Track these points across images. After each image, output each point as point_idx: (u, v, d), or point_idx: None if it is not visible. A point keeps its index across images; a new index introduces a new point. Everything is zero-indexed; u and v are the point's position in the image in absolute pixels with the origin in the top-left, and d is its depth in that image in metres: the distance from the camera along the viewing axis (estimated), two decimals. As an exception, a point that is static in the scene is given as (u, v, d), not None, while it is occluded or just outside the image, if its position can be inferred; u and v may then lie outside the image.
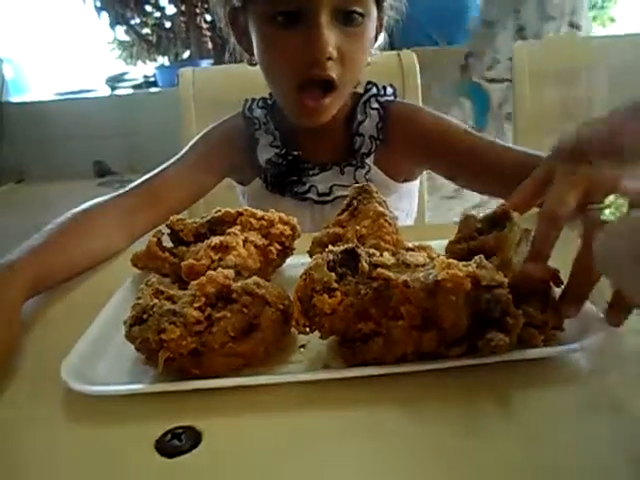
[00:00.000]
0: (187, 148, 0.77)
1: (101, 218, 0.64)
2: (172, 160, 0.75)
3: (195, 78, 1.18)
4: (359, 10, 0.64)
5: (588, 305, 0.39)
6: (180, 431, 0.34)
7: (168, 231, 0.52)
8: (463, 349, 0.36)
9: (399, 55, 1.11)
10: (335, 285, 0.37)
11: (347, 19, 0.64)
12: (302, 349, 0.42)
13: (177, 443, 0.33)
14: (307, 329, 0.38)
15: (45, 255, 0.55)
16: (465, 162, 0.73)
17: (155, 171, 0.73)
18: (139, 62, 5.56)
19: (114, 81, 4.33)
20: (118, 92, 4.29)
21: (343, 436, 0.34)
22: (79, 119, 4.08)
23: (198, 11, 4.91)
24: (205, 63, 4.15)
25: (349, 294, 0.37)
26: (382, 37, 0.76)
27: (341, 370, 0.38)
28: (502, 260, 0.40)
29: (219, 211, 0.51)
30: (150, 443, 0.34)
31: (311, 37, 0.62)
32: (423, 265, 0.38)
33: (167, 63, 5.20)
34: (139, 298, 0.40)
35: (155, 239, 0.50)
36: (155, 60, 5.45)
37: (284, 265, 0.54)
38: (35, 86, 4.62)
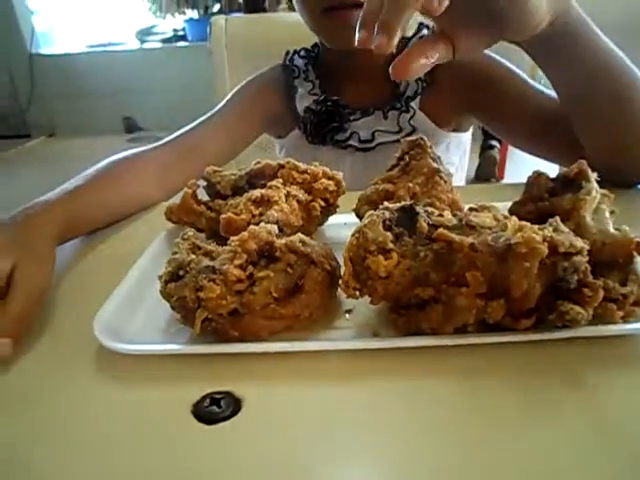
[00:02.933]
0: (225, 101, 0.74)
1: (138, 167, 0.62)
2: (209, 113, 0.72)
3: (227, 27, 1.13)
4: None
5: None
6: (219, 397, 0.32)
7: (204, 183, 0.49)
8: (532, 321, 0.33)
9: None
10: (391, 246, 0.33)
11: None
12: (348, 315, 0.38)
13: (216, 409, 0.31)
14: (357, 293, 0.35)
15: (80, 196, 0.53)
16: (515, 111, 0.66)
17: (192, 124, 0.70)
18: (168, 15, 5.47)
19: (143, 34, 4.26)
20: (147, 46, 4.23)
21: (392, 409, 0.30)
22: (108, 72, 4.06)
23: (229, -38, 4.76)
24: (235, 15, 4.04)
25: (406, 256, 0.33)
26: None
27: (393, 339, 0.34)
28: (578, 225, 0.36)
29: (259, 162, 0.47)
30: (187, 408, 0.31)
31: None
32: (490, 228, 0.34)
33: (196, 17, 5.09)
34: (175, 253, 0.37)
35: (191, 191, 0.47)
36: (184, 13, 5.35)
37: (326, 223, 0.50)
38: (65, 39, 4.59)
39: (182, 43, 4.15)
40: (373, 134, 0.71)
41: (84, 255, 0.53)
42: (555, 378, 0.31)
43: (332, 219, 0.50)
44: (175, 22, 4.85)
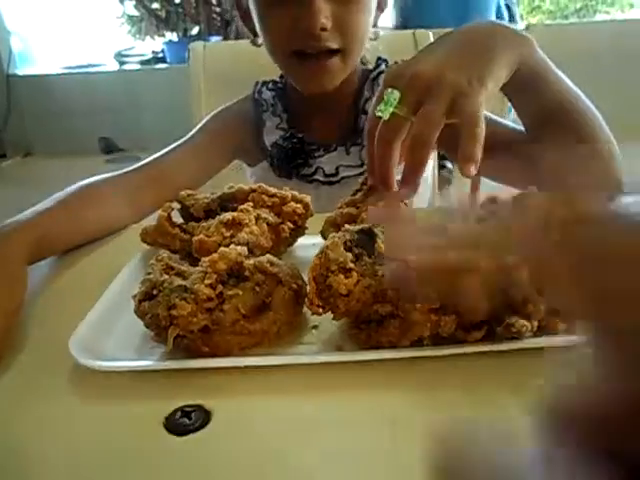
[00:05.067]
0: (196, 129, 0.76)
1: (109, 190, 0.63)
2: (181, 140, 0.74)
3: (206, 53, 1.16)
4: None
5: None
6: (189, 409, 0.33)
7: (178, 206, 0.51)
8: (482, 334, 0.35)
9: (414, 34, 1.09)
10: (351, 265, 0.36)
11: None
12: (314, 330, 0.41)
13: (186, 421, 0.33)
14: (320, 310, 0.37)
15: (51, 217, 0.54)
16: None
17: (164, 150, 0.72)
18: (147, 37, 5.50)
19: (122, 56, 4.28)
20: (126, 67, 4.25)
21: (354, 421, 0.33)
22: (86, 93, 4.06)
23: (208, -14, 4.84)
24: (214, 40, 4.09)
25: (365, 275, 0.36)
26: (388, 5, 0.74)
27: (354, 353, 0.37)
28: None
29: (231, 187, 0.50)
30: (159, 421, 0.33)
31: (303, 9, 0.62)
32: (443, 247, 0.37)
33: (176, 39, 5.13)
34: (149, 273, 0.39)
35: (165, 214, 0.49)
36: (164, 36, 5.39)
37: (295, 244, 0.52)
38: (43, 59, 4.59)
39: (161, 65, 4.18)
40: (337, 169, 0.74)
41: (59, 274, 0.54)
42: (503, 387, 0.34)
43: (301, 240, 0.52)
44: (154, 44, 4.88)
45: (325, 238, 0.48)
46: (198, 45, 1.20)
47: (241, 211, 0.45)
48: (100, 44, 4.71)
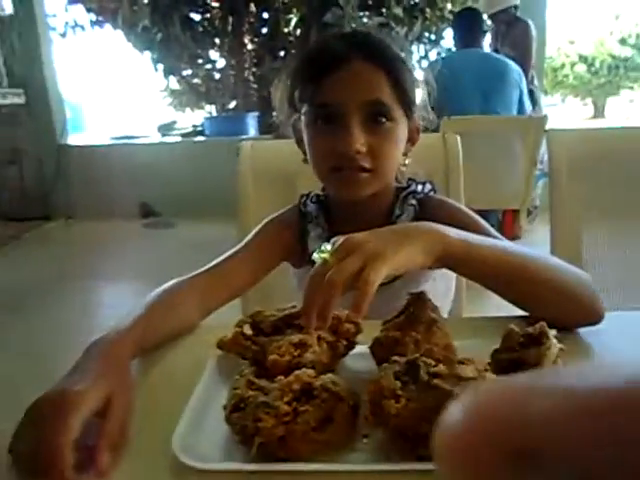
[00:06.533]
0: (250, 236, 0.88)
1: (183, 295, 0.75)
2: (238, 247, 0.86)
3: (253, 152, 1.31)
4: (384, 116, 0.77)
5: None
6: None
7: (249, 320, 0.62)
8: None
9: (444, 137, 1.22)
10: (400, 392, 0.45)
11: (375, 122, 0.77)
12: (365, 439, 0.50)
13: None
14: (373, 424, 0.46)
15: (143, 322, 0.65)
16: None
17: (223, 256, 0.83)
18: (187, 109, 5.89)
19: (165, 129, 4.59)
20: (167, 139, 4.55)
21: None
22: (129, 162, 4.34)
23: (247, 65, 5.22)
24: (251, 116, 4.38)
25: (411, 400, 0.45)
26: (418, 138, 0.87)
27: (402, 463, 0.46)
28: (539, 375, 0.48)
29: (294, 307, 0.61)
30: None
31: (341, 135, 0.75)
32: (472, 378, 0.46)
33: (214, 112, 5.48)
34: (236, 388, 0.49)
35: (239, 329, 0.60)
36: (203, 108, 5.77)
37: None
38: (91, 127, 4.94)
39: (200, 138, 4.46)
40: None
41: (145, 374, 0.65)
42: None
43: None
44: (195, 118, 5.22)
45: (373, 353, 0.58)
46: (247, 144, 1.34)
47: (306, 333, 0.55)
48: (144, 116, 5.07)
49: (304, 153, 0.87)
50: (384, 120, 0.77)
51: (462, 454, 0.21)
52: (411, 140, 0.85)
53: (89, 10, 4.92)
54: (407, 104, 0.80)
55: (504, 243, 0.71)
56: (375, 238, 0.56)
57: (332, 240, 0.57)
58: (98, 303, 2.98)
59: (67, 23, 4.89)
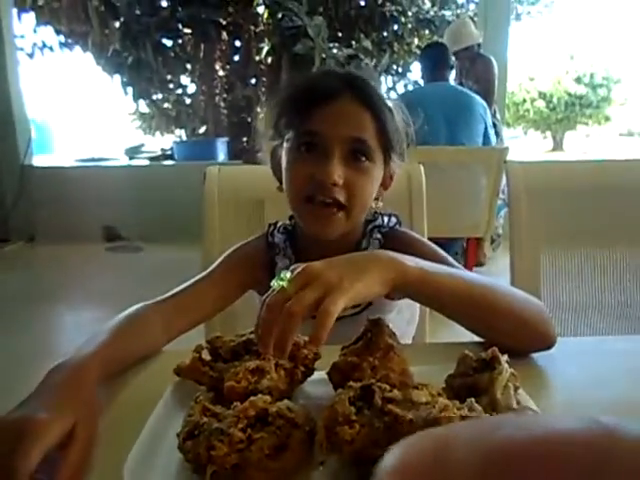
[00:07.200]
0: (216, 264, 0.87)
1: (147, 322, 0.74)
2: (204, 273, 0.85)
3: (220, 177, 1.31)
4: (365, 155, 0.79)
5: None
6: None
7: (208, 346, 0.61)
8: None
9: (407, 172, 1.25)
10: (354, 417, 0.45)
11: (355, 159, 0.78)
12: (321, 466, 0.50)
13: None
14: (328, 451, 0.46)
15: (110, 346, 0.63)
16: None
17: (189, 282, 0.83)
18: (157, 133, 5.87)
19: (132, 152, 4.55)
20: (135, 162, 4.51)
21: None
22: (95, 185, 4.27)
23: (217, 91, 5.26)
24: (221, 141, 4.39)
25: (365, 425, 0.45)
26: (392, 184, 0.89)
27: (355, 489, 0.46)
28: (490, 399, 0.49)
29: (253, 332, 0.60)
30: None
31: (322, 164, 0.77)
32: (426, 403, 0.47)
33: (184, 136, 5.47)
34: (190, 415, 0.49)
35: (197, 355, 0.59)
36: (172, 132, 5.76)
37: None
38: (60, 148, 4.85)
39: (168, 162, 4.44)
40: None
41: (106, 401, 0.63)
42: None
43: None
44: (164, 142, 5.20)
45: (331, 379, 0.58)
46: (214, 169, 1.34)
47: (263, 359, 0.55)
48: (112, 139, 5.02)
49: (279, 180, 0.88)
50: (364, 159, 0.79)
51: None
52: (384, 185, 0.87)
53: (58, 32, 4.90)
54: (387, 150, 0.82)
55: (461, 272, 0.73)
56: (334, 267, 0.57)
57: (291, 267, 0.57)
58: (59, 328, 2.89)
59: (35, 44, 4.85)
